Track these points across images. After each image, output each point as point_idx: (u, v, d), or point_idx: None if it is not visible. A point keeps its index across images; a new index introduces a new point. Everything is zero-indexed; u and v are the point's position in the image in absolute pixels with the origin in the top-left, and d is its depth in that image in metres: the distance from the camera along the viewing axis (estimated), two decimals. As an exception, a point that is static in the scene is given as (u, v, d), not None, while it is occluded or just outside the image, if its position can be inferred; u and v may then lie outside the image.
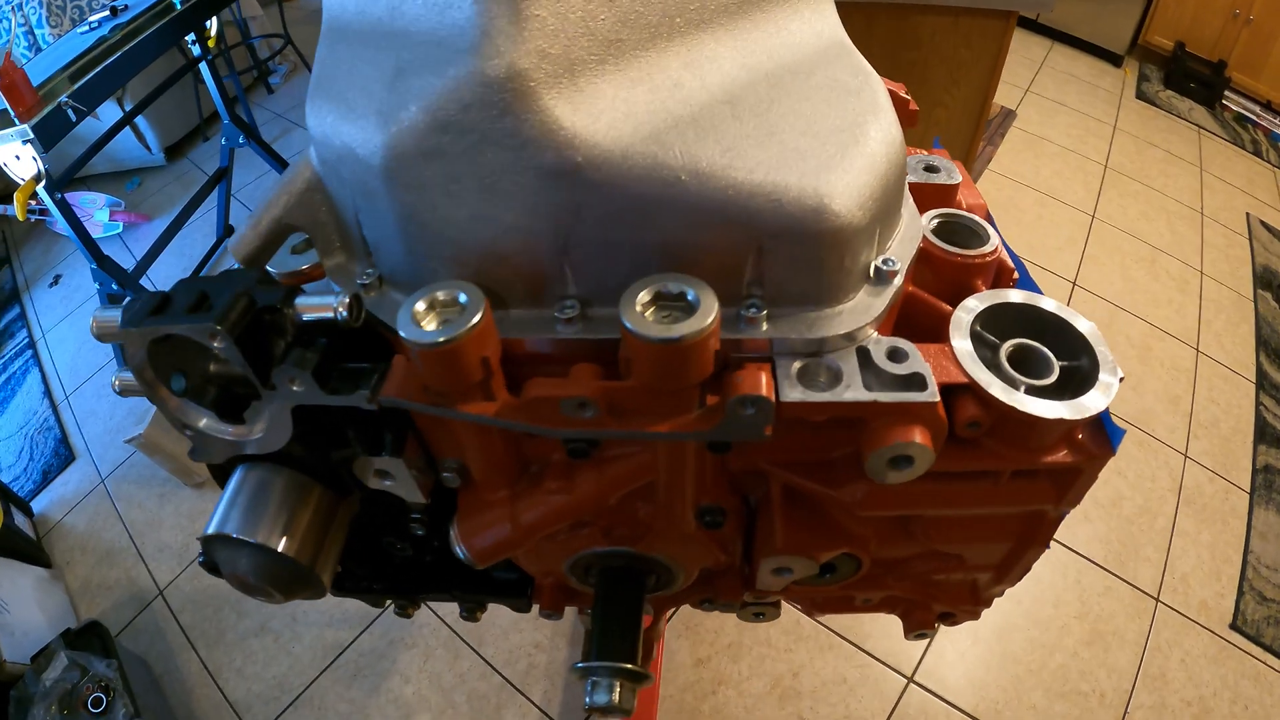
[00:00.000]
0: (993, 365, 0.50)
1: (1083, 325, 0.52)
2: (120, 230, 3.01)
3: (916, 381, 0.44)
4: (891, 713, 1.75)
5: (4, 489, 2.18)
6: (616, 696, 0.57)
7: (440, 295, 0.44)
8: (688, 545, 0.60)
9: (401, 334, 0.43)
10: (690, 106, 0.45)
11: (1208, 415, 2.23)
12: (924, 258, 0.57)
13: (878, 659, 1.82)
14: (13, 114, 1.84)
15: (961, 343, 0.49)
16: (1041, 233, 2.80)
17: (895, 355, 0.46)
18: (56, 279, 3.15)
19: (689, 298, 0.41)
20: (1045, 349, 0.51)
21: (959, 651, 1.82)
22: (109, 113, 2.69)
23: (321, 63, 0.53)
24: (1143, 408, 2.21)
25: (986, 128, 3.23)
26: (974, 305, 0.51)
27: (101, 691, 1.68)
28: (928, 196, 0.64)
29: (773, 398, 0.43)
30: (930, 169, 0.65)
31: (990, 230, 0.59)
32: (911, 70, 1.59)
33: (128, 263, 2.41)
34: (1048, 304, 0.52)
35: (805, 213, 0.43)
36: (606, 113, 0.43)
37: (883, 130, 0.48)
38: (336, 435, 0.59)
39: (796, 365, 0.45)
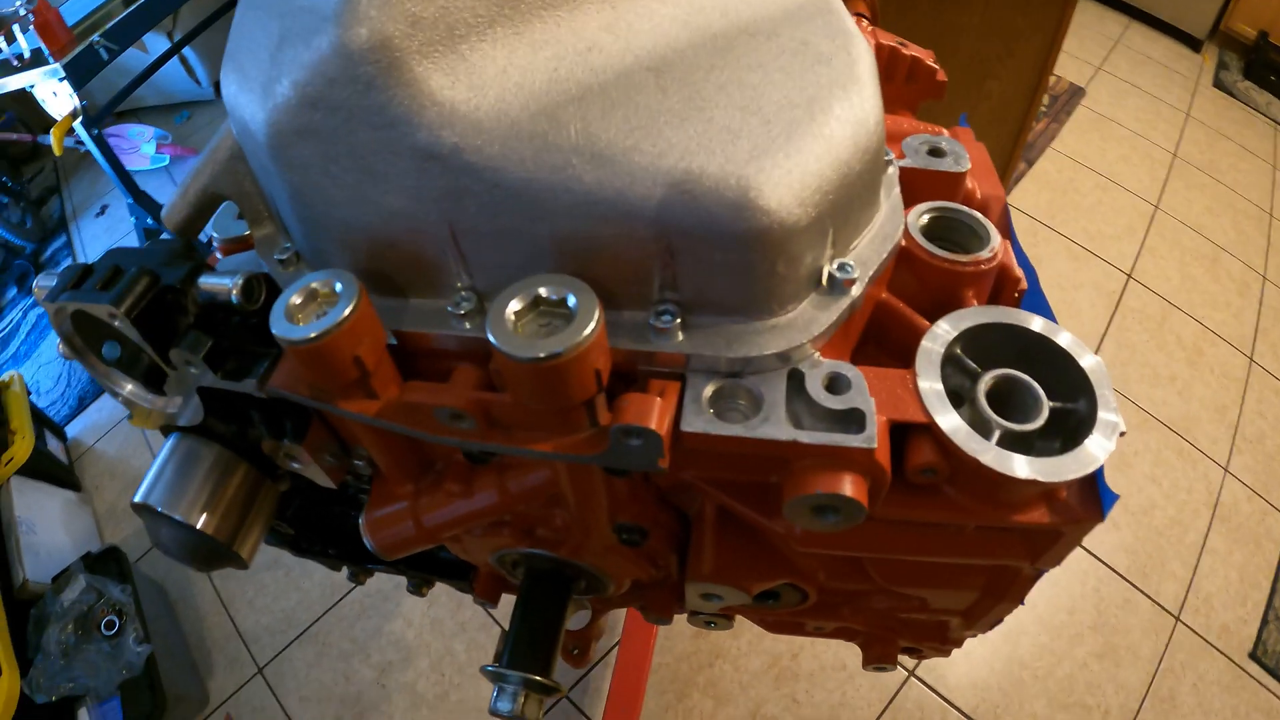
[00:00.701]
0: (968, 401, 0.42)
1: (1086, 360, 0.43)
2: (167, 163, 3.04)
3: (854, 419, 0.36)
4: (888, 705, 1.72)
5: (39, 413, 2.25)
6: (520, 706, 0.53)
7: (317, 286, 0.39)
8: (611, 557, 0.54)
9: (271, 328, 0.38)
10: (603, 75, 0.38)
11: (1254, 429, 2.09)
12: (907, 260, 0.48)
13: None
14: (47, 52, 1.87)
15: (927, 371, 0.41)
16: (1100, 219, 2.64)
17: (835, 384, 0.38)
18: (103, 209, 3.22)
19: (569, 304, 0.33)
20: (1035, 384, 0.42)
21: (963, 649, 1.74)
22: (158, 45, 2.68)
23: (234, 25, 0.48)
24: (1187, 414, 2.07)
25: (1050, 103, 3.01)
26: (947, 328, 0.43)
27: (115, 615, 1.73)
28: (928, 185, 0.54)
29: (662, 429, 0.35)
30: (935, 152, 0.55)
31: (993, 231, 0.50)
32: (960, 36, 1.44)
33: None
34: (1037, 324, 0.43)
35: (722, 207, 0.35)
36: (494, 85, 0.37)
37: (851, 107, 0.39)
38: (245, 417, 0.56)
39: (711, 388, 0.38)
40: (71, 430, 2.45)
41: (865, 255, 0.43)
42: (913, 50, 0.84)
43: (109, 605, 1.75)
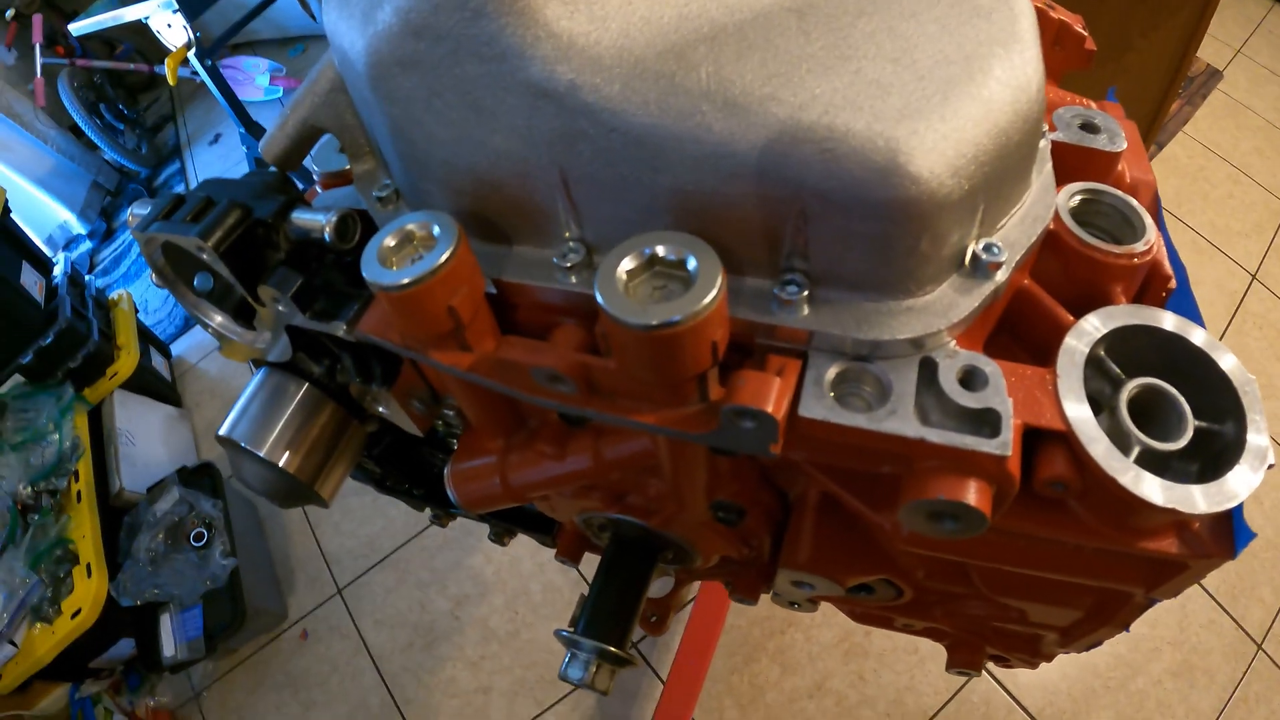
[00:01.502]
0: (1107, 409, 0.37)
1: (1238, 376, 0.38)
2: (280, 95, 3.13)
3: (988, 421, 0.33)
4: (954, 696, 1.70)
5: (146, 331, 2.38)
6: (591, 675, 0.52)
7: (414, 229, 0.37)
8: (703, 532, 0.52)
9: (363, 271, 0.36)
10: (739, 14, 0.34)
11: (1370, 457, 1.92)
12: (1053, 245, 0.43)
13: None
14: None
15: (1069, 374, 0.36)
16: (1228, 212, 2.44)
17: (970, 379, 0.34)
18: (217, 137, 3.35)
19: (689, 267, 0.30)
20: (1181, 399, 0.37)
21: None
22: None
23: None
24: (1300, 433, 1.92)
25: (1185, 85, 2.78)
26: (1096, 325, 0.38)
27: (204, 528, 1.84)
28: (1077, 163, 0.49)
29: (779, 413, 0.32)
30: (1088, 127, 0.49)
31: (1148, 221, 0.45)
32: (1104, 3, 1.31)
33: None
34: (1198, 337, 0.38)
35: (868, 172, 0.31)
36: (617, 17, 0.33)
37: (1013, 68, 0.35)
38: (333, 357, 0.55)
39: (834, 370, 0.35)
40: (176, 348, 2.59)
41: (1013, 237, 0.38)
42: (1061, 13, 0.76)
43: (199, 518, 1.86)
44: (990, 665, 1.82)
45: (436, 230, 0.37)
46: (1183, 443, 0.37)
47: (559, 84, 0.34)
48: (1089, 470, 0.35)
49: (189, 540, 1.83)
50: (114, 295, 2.29)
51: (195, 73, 2.16)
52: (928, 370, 0.34)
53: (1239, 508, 0.37)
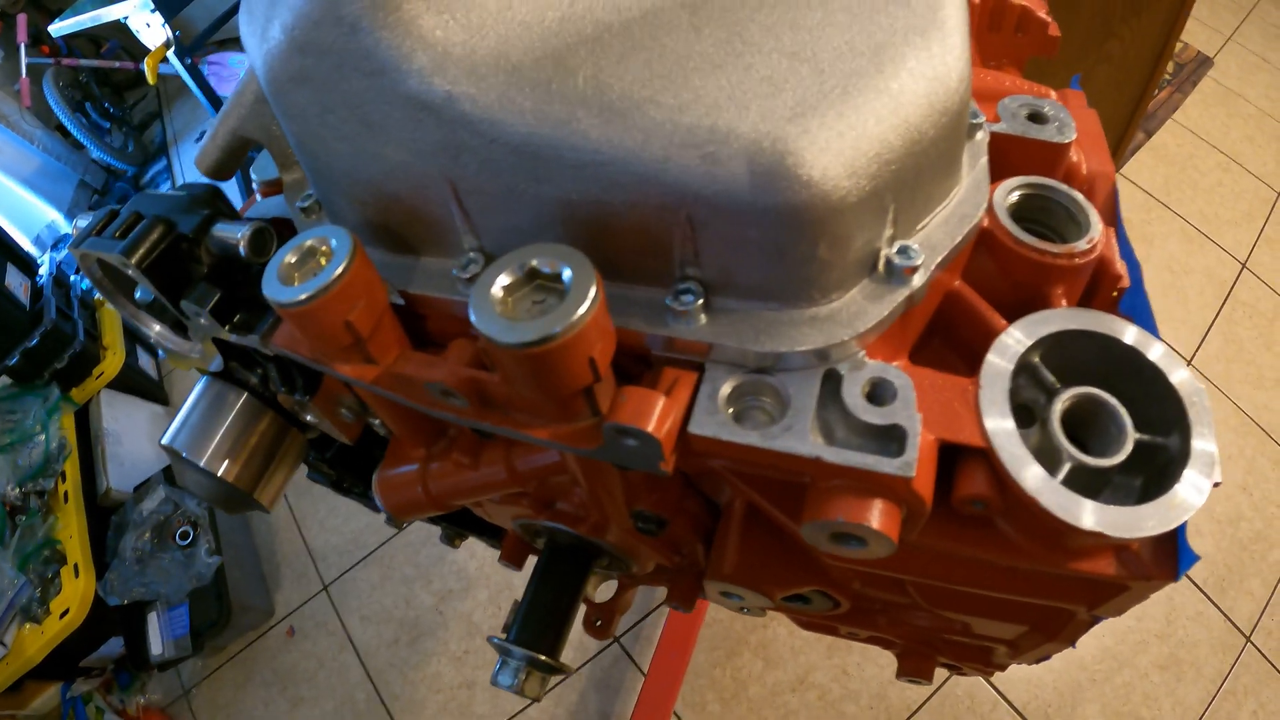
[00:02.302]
0: (1040, 419, 0.35)
1: (1186, 387, 0.35)
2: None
3: (894, 438, 0.31)
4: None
5: (132, 330, 2.36)
6: (521, 682, 0.51)
7: (314, 244, 0.36)
8: (631, 540, 0.50)
9: (262, 288, 0.35)
10: (628, 12, 0.33)
11: (1362, 448, 1.90)
12: (989, 245, 0.41)
13: None
14: None
15: (992, 385, 0.34)
16: (1218, 201, 2.42)
17: (877, 392, 0.32)
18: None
19: (564, 280, 0.29)
20: (1121, 410, 0.35)
21: None
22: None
23: None
24: (1292, 424, 1.90)
25: (1175, 72, 2.74)
26: (1020, 336, 0.36)
27: (190, 526, 1.84)
28: (1024, 156, 0.46)
29: (661, 432, 0.30)
30: (1036, 117, 0.47)
31: (1094, 217, 0.42)
32: (1089, -12, 1.28)
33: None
34: (1142, 343, 0.36)
35: (754, 176, 0.29)
36: (495, 24, 0.32)
37: (929, 58, 0.32)
38: (264, 367, 0.55)
39: (730, 385, 0.33)
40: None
41: (934, 238, 0.36)
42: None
43: (185, 517, 1.86)
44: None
45: (333, 244, 0.35)
46: (1120, 458, 0.34)
47: (436, 95, 0.33)
48: (1009, 489, 0.33)
49: (175, 539, 1.83)
50: (100, 296, 2.28)
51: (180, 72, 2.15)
52: (832, 383, 0.32)
53: (1183, 530, 0.35)
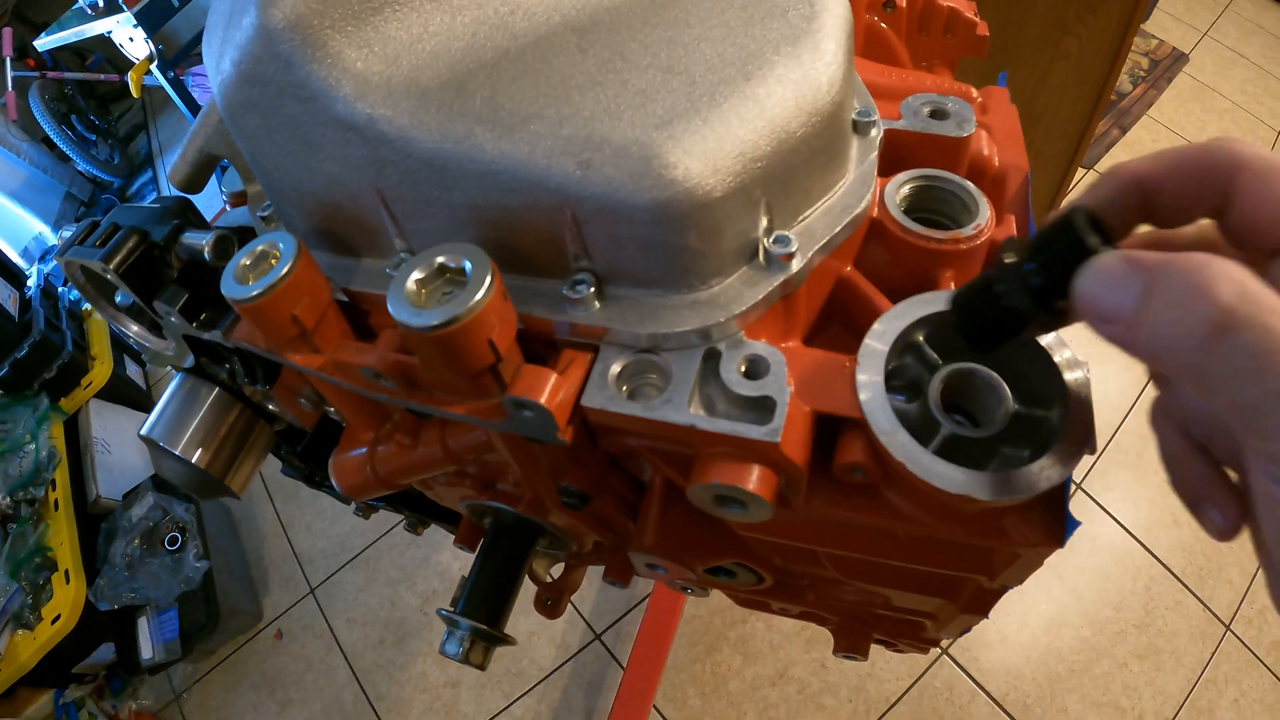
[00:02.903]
0: (920, 389, 0.38)
1: (1067, 363, 0.37)
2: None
3: (764, 408, 0.34)
4: (916, 681, 1.71)
5: (120, 340, 2.40)
6: (465, 651, 0.55)
7: (265, 249, 0.41)
8: (565, 517, 0.54)
9: (221, 287, 0.40)
10: (522, 39, 0.37)
11: (1332, 436, 1.93)
12: (880, 234, 0.45)
13: None
14: (121, 0, 1.97)
15: (868, 361, 0.38)
16: (1194, 196, 2.44)
17: (752, 367, 0.36)
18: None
19: (466, 272, 0.32)
20: (1000, 384, 0.37)
21: (1001, 634, 1.73)
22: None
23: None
24: (1266, 414, 1.93)
25: (1150, 68, 2.78)
26: (909, 309, 0.39)
27: (178, 532, 1.87)
28: (927, 151, 0.50)
29: (553, 403, 0.34)
30: (937, 114, 0.50)
31: (983, 204, 0.45)
32: (1038, -11, 1.33)
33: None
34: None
35: (625, 177, 0.33)
36: (407, 55, 0.37)
37: (798, 65, 0.36)
38: (227, 361, 0.59)
39: (620, 363, 0.36)
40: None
41: (815, 228, 0.40)
42: (953, 1, 0.77)
43: (173, 522, 1.89)
44: (953, 650, 1.84)
45: (281, 248, 0.40)
46: (996, 429, 0.37)
47: (360, 118, 0.37)
48: (883, 456, 0.36)
49: (164, 544, 1.86)
50: (87, 306, 2.32)
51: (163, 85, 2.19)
52: (713, 360, 0.36)
53: (1066, 496, 0.38)
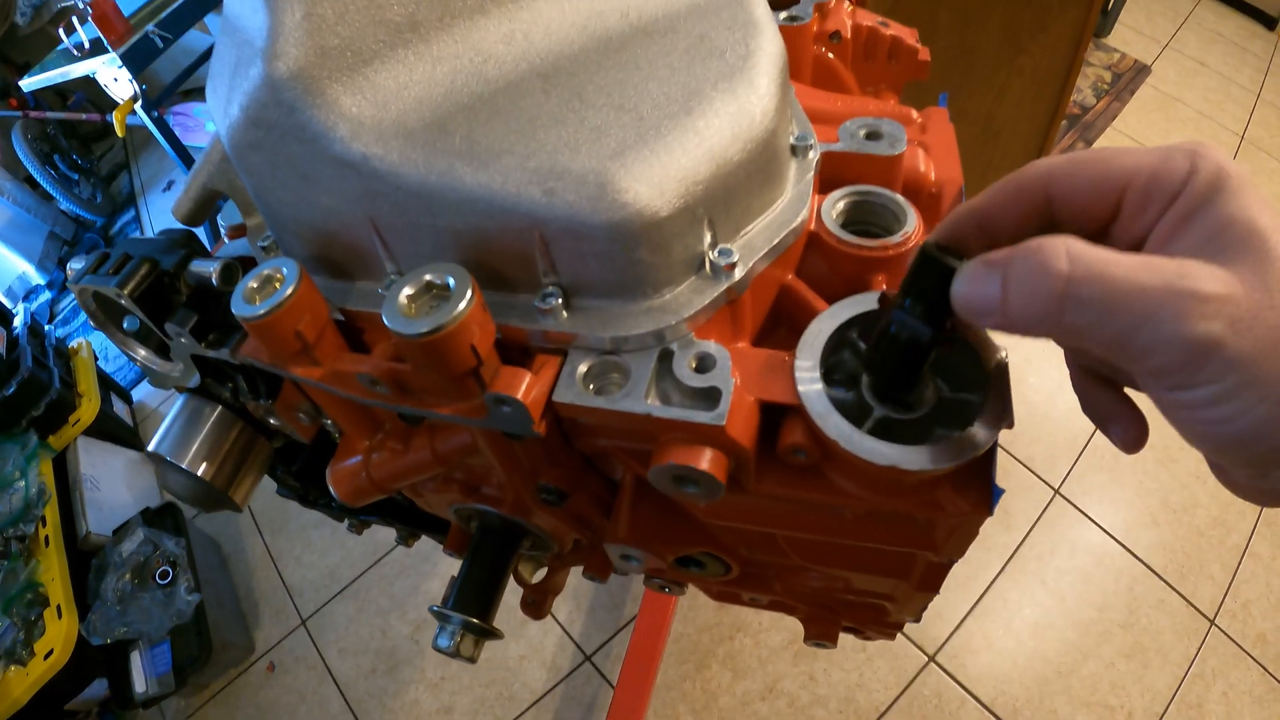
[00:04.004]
0: (856, 381, 0.43)
1: (989, 352, 0.42)
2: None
3: (712, 397, 0.39)
4: (905, 690, 1.72)
5: (107, 378, 2.43)
6: (456, 643, 0.59)
7: (270, 273, 0.46)
8: (546, 517, 0.58)
9: (231, 307, 0.45)
10: (494, 84, 0.43)
11: (1309, 430, 1.98)
12: (818, 246, 0.50)
13: (902, 632, 1.80)
14: (105, 42, 2.02)
15: (805, 355, 0.43)
16: (1162, 204, 2.52)
17: (702, 363, 0.41)
18: (169, 184, 3.42)
19: (450, 288, 0.38)
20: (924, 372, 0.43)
21: (988, 639, 1.75)
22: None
23: (214, 49, 0.55)
24: (1239, 411, 1.98)
25: (1114, 81, 2.88)
26: (844, 308, 0.45)
27: (169, 566, 1.88)
28: (863, 170, 0.55)
29: (528, 399, 0.40)
30: (872, 135, 0.56)
31: (911, 214, 0.51)
32: (991, 10, 1.41)
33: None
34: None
35: (584, 201, 0.38)
36: (395, 100, 0.43)
37: (734, 99, 0.42)
38: (232, 379, 0.63)
39: (586, 364, 0.42)
40: (137, 394, 2.64)
41: (755, 242, 0.45)
42: (894, 29, 0.83)
43: (164, 556, 1.90)
44: (940, 658, 1.86)
45: (284, 272, 0.45)
46: (921, 411, 0.41)
47: (355, 156, 0.43)
48: (819, 437, 0.41)
49: (155, 579, 1.87)
50: (74, 344, 2.34)
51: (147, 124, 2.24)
52: (667, 359, 0.41)
53: (991, 464, 0.42)
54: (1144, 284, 0.26)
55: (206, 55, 2.62)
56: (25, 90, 2.48)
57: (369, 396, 0.46)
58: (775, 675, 1.74)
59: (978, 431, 0.40)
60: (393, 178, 0.42)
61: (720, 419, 0.38)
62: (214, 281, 0.56)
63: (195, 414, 0.71)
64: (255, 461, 0.73)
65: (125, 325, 0.63)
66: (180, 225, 0.67)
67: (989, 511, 0.43)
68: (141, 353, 0.68)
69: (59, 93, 3.38)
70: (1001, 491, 0.42)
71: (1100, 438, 2.02)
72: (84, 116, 3.23)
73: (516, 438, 0.44)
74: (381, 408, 0.48)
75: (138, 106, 2.14)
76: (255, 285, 0.45)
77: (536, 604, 0.72)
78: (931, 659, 1.75)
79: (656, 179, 0.39)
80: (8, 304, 2.36)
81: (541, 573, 0.75)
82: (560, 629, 1.87)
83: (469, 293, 0.37)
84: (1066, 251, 0.27)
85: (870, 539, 0.49)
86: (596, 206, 0.38)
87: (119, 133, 2.19)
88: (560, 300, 0.42)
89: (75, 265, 0.63)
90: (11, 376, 2.02)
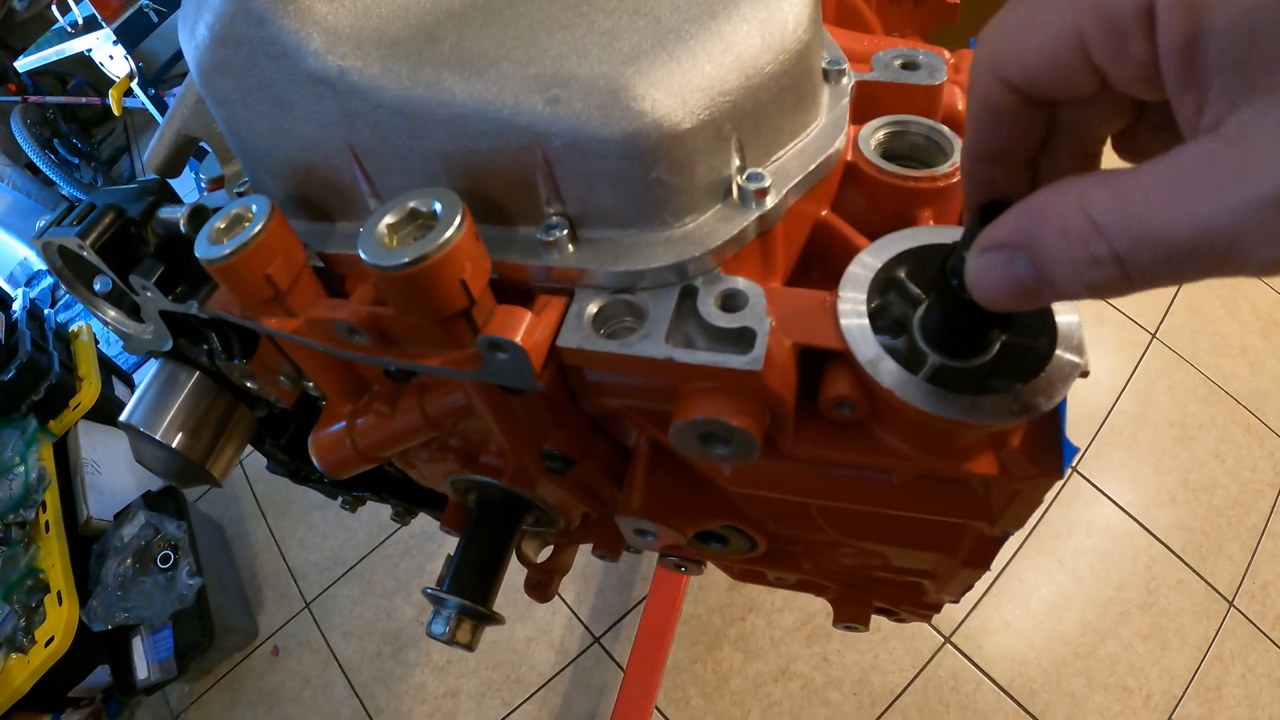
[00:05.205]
0: (904, 327, 0.38)
1: None
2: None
3: (743, 339, 0.34)
4: (920, 671, 1.69)
5: (108, 362, 2.39)
6: (452, 630, 0.54)
7: (239, 212, 0.41)
8: (551, 488, 0.53)
9: (195, 250, 0.40)
10: None
11: (1328, 409, 1.93)
12: (855, 178, 0.44)
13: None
14: (99, 18, 1.98)
15: (850, 294, 0.37)
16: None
17: (729, 301, 0.35)
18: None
19: (437, 214, 0.32)
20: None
21: (1004, 620, 1.72)
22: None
23: None
24: (1257, 389, 1.92)
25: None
26: (879, 247, 0.39)
27: (170, 550, 1.85)
28: (899, 100, 0.50)
29: (528, 342, 0.34)
30: (909, 66, 0.50)
31: (956, 143, 0.45)
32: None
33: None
34: None
35: (593, 111, 0.33)
36: (377, 7, 0.38)
37: (764, 6, 0.36)
38: (205, 339, 0.58)
39: (596, 304, 0.36)
40: (139, 378, 2.59)
41: (788, 167, 0.39)
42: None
43: (165, 540, 1.86)
44: (956, 639, 1.83)
45: (254, 209, 0.40)
46: (983, 359, 0.36)
47: (331, 70, 0.38)
48: (869, 387, 0.35)
49: (156, 563, 1.84)
50: (74, 327, 2.30)
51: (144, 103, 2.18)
52: (689, 298, 0.35)
53: (1062, 422, 0.37)
54: (1200, 218, 0.19)
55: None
56: (21, 71, 2.44)
57: (348, 349, 0.41)
58: (788, 657, 1.70)
59: (1050, 381, 0.35)
60: (373, 94, 0.37)
61: (756, 363, 0.32)
62: (182, 228, 0.50)
63: (170, 380, 0.65)
64: (236, 432, 0.68)
65: (96, 287, 0.58)
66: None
67: (1059, 474, 0.37)
68: (112, 314, 0.63)
69: (58, 77, 3.34)
70: (1076, 450, 0.37)
71: (1119, 414, 1.97)
72: (83, 100, 3.20)
73: (516, 394, 0.39)
74: (362, 362, 0.42)
75: (134, 84, 2.10)
76: (222, 226, 0.40)
77: (542, 585, 0.67)
78: (948, 640, 1.71)
79: (678, 86, 0.33)
80: (9, 290, 2.31)
81: (547, 551, 0.70)
82: (568, 610, 1.83)
83: (458, 218, 0.31)
84: (1085, 211, 0.21)
85: (918, 509, 0.43)
86: (608, 116, 0.32)
87: (116, 111, 2.14)
88: (566, 232, 0.36)
89: (42, 223, 0.58)
90: (10, 360, 1.98)
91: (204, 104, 0.54)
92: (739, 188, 0.37)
